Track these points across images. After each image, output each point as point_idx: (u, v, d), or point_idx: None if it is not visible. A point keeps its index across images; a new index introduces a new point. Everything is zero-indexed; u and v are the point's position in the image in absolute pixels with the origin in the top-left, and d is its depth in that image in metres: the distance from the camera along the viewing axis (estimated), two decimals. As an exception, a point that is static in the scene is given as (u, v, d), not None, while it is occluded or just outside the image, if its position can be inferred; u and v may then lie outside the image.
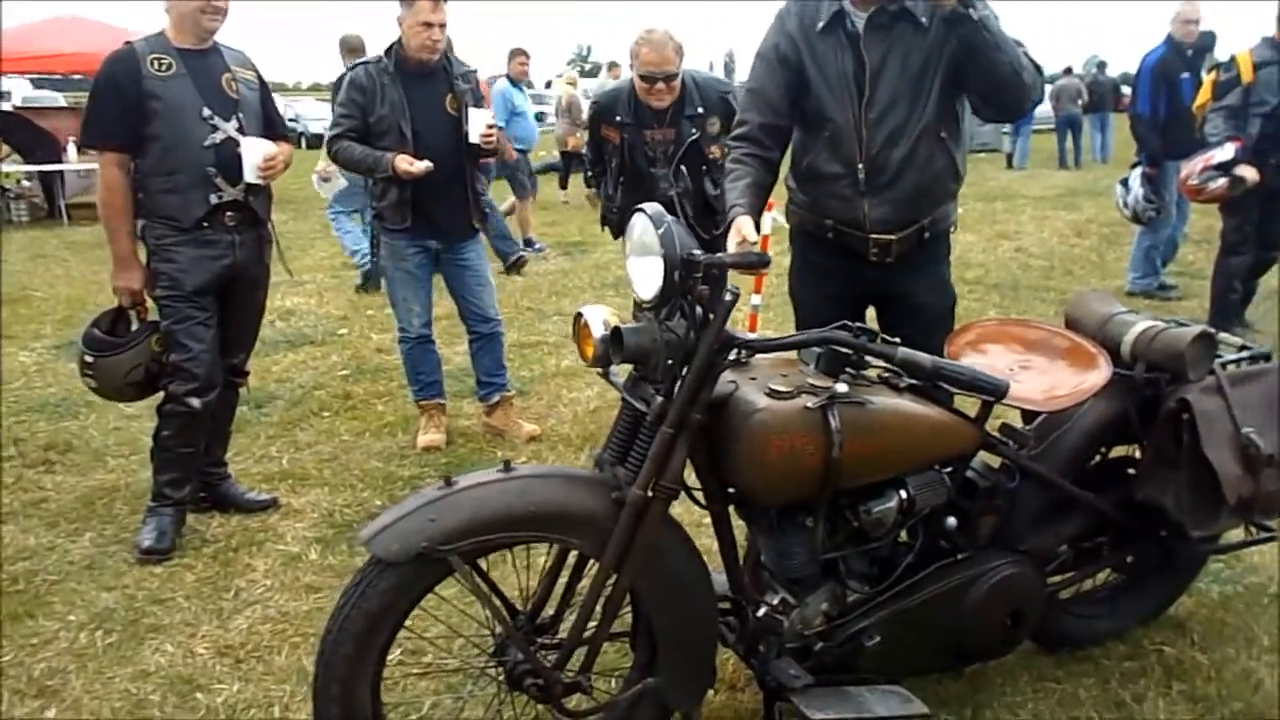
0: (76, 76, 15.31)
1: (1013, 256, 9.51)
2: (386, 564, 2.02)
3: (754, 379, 2.24)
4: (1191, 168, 6.10)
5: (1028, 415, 2.79)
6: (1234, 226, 6.37)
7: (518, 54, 10.53)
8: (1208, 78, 6.63)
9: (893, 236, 2.90)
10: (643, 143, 4.45)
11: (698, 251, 2.08)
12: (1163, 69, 7.19)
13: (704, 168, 4.40)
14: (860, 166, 2.85)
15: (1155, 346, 2.64)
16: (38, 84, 20.65)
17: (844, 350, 2.22)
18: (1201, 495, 2.58)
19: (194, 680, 2.84)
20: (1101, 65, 21.51)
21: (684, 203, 3.74)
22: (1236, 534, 2.96)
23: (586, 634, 2.23)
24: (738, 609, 2.45)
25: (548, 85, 55.16)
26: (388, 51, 4.38)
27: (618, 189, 4.57)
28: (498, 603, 2.19)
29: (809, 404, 2.15)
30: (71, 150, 13.30)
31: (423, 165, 4.25)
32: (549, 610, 2.37)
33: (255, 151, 3.61)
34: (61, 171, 13.11)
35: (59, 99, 22.46)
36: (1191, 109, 6.83)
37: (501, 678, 2.25)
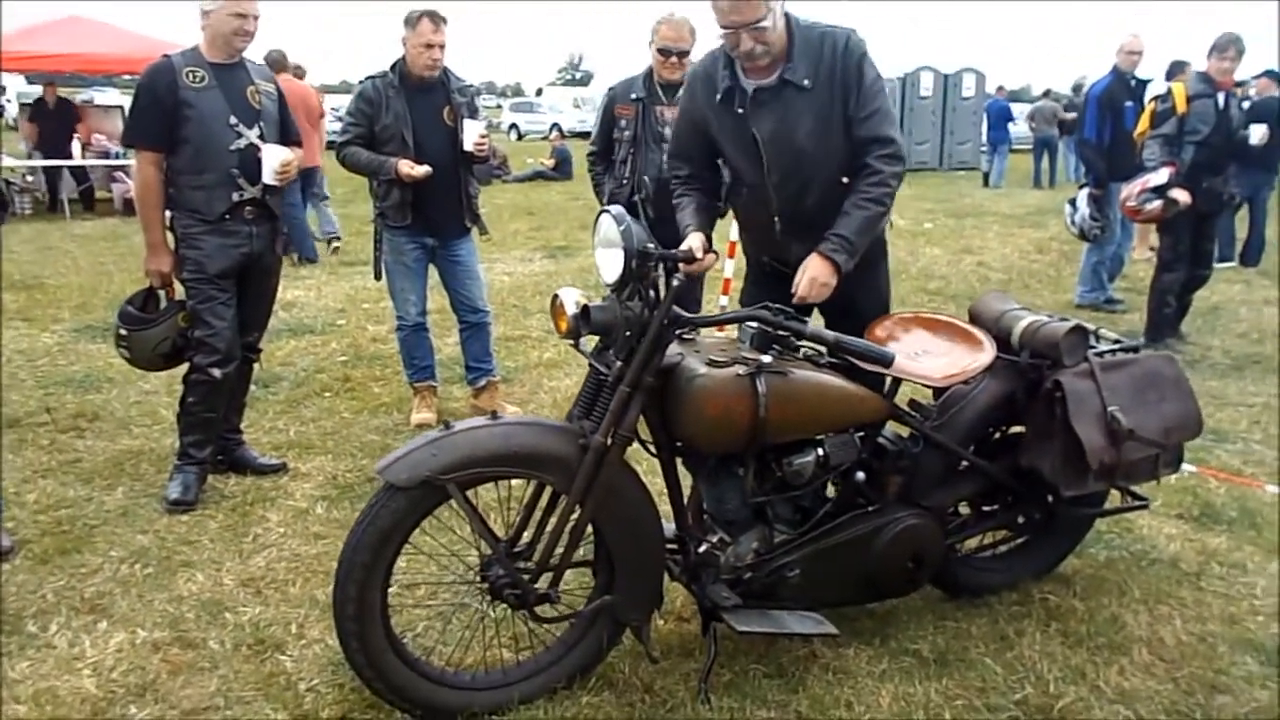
0: (68, 73, 15.67)
1: (974, 270, 10.02)
2: (396, 489, 2.51)
3: (697, 352, 2.74)
4: (1130, 190, 6.64)
5: (937, 393, 3.29)
6: (1169, 245, 6.90)
7: None
8: (1147, 107, 7.18)
9: None
10: (653, 118, 4.87)
11: (651, 245, 2.59)
12: (1108, 98, 7.71)
13: None
14: (776, 220, 3.26)
15: (1038, 337, 3.15)
16: (31, 80, 21.02)
17: (768, 329, 2.71)
18: (1070, 461, 3.09)
19: (222, 604, 3.32)
20: (1078, 88, 21.92)
21: (646, 206, 4.26)
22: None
23: (555, 557, 2.72)
24: (683, 546, 2.94)
25: (539, 93, 55.67)
26: (393, 67, 4.86)
27: (629, 159, 4.90)
28: (485, 526, 2.68)
29: (740, 371, 2.65)
30: (76, 147, 13.76)
31: (423, 169, 4.73)
32: (525, 540, 2.85)
33: (273, 157, 4.09)
34: (65, 167, 13.52)
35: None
36: (1133, 135, 7.39)
37: (485, 589, 2.74)
